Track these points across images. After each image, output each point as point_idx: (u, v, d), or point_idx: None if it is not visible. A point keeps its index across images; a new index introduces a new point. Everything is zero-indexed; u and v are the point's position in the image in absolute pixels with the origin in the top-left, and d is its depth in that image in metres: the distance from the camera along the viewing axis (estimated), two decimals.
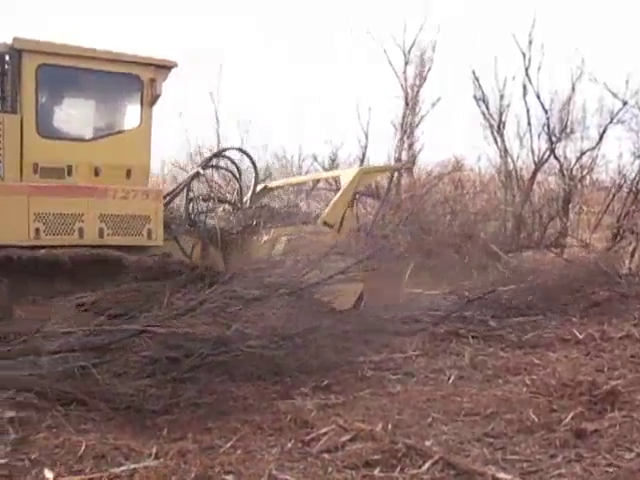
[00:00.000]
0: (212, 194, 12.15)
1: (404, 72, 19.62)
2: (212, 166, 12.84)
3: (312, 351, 8.65)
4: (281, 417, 6.74)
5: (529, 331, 10.47)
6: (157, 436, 6.28)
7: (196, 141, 20.62)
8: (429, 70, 19.92)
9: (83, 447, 5.90)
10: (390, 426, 6.33)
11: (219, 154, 12.65)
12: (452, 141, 26.10)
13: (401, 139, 18.73)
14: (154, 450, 5.84)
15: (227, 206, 12.56)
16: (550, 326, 10.86)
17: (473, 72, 18.30)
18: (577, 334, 10.09)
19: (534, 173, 18.44)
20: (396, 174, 17.04)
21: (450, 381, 8.11)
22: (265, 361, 8.06)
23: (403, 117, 19.00)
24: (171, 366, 7.49)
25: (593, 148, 18.73)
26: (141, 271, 9.43)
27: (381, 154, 19.65)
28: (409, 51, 19.58)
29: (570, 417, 6.58)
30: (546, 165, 18.81)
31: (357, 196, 15.04)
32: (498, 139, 18.49)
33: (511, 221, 16.80)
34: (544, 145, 18.42)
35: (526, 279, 12.89)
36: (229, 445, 6.04)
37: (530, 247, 16.68)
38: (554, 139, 18.33)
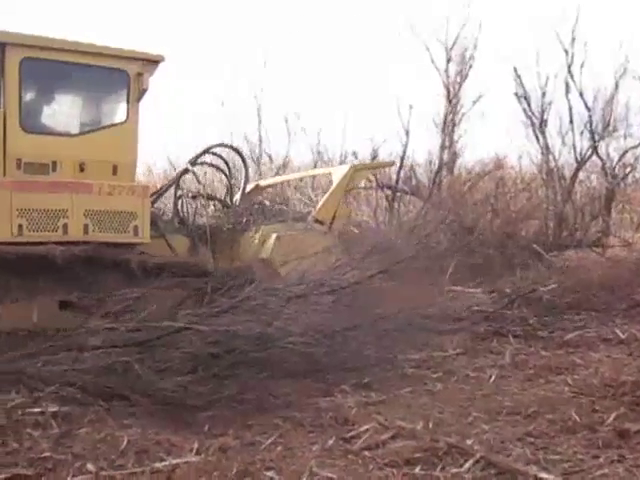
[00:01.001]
0: (201, 191, 12.00)
1: (446, 69, 19.58)
2: (201, 163, 12.54)
3: (352, 349, 8.64)
4: (322, 414, 6.75)
5: (571, 331, 10.37)
6: (198, 432, 6.30)
7: (238, 137, 20.62)
8: (470, 67, 19.87)
9: (125, 442, 5.96)
10: (431, 424, 6.31)
11: (208, 151, 12.28)
12: (493, 139, 25.89)
13: (442, 137, 18.67)
14: (195, 446, 5.87)
15: (217, 204, 12.50)
16: (592, 326, 10.75)
17: (515, 69, 18.17)
18: (619, 334, 9.99)
19: (576, 171, 18.29)
20: (437, 172, 17.02)
21: (491, 380, 8.06)
22: (306, 358, 8.07)
23: (445, 115, 18.95)
24: (212, 362, 7.53)
25: (636, 146, 18.54)
26: (141, 270, 9.40)
27: (422, 152, 19.58)
28: (451, 48, 19.53)
29: (613, 417, 6.49)
30: (588, 163, 18.65)
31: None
32: (540, 137, 18.35)
33: (553, 220, 16.66)
34: (586, 143, 18.27)
35: (568, 278, 12.78)
36: (270, 441, 6.06)
37: (572, 246, 16.52)
38: (596, 137, 18.17)
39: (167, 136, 32.60)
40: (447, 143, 18.73)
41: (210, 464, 5.46)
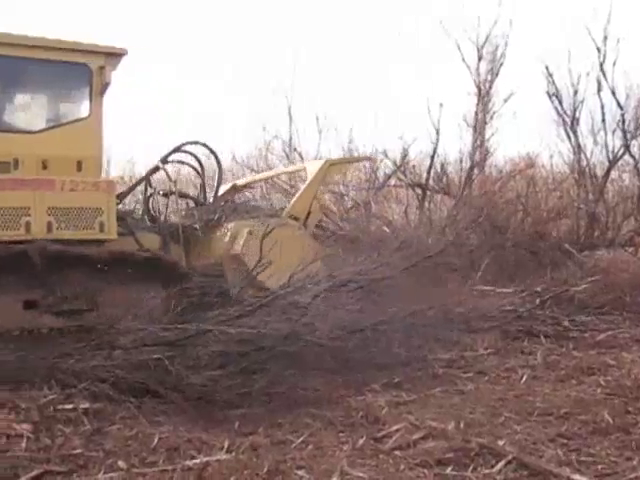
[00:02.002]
0: (173, 189, 11.56)
1: (477, 68, 19.50)
2: (172, 161, 12.16)
3: (382, 347, 8.63)
4: (352, 413, 6.75)
5: (603, 331, 10.32)
6: (229, 430, 6.33)
7: (268, 136, 20.63)
8: (501, 65, 19.77)
9: (156, 439, 6.00)
10: (462, 425, 6.27)
11: (179, 148, 11.91)
12: (524, 137, 25.73)
13: (473, 135, 18.60)
14: (226, 444, 5.88)
15: (190, 202, 12.22)
16: (624, 326, 10.70)
17: (546, 67, 18.02)
18: None
19: (608, 170, 18.10)
20: (468, 170, 16.92)
21: (523, 380, 8.03)
22: (335, 356, 8.07)
23: (476, 113, 18.88)
24: (242, 360, 7.54)
25: None
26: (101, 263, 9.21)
27: (452, 150, 19.47)
28: (482, 46, 19.44)
29: None
30: (620, 162, 18.46)
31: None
32: (571, 136, 18.19)
33: (584, 219, 16.52)
34: (618, 142, 18.05)
35: (600, 278, 12.69)
36: (300, 440, 6.06)
37: (604, 246, 16.38)
38: (629, 136, 17.96)
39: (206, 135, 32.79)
40: (478, 142, 18.64)
41: (241, 462, 5.46)
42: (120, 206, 11.02)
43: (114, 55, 9.88)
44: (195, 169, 12.20)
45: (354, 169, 17.92)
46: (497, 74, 19.76)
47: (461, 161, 17.93)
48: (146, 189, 11.60)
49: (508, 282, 12.99)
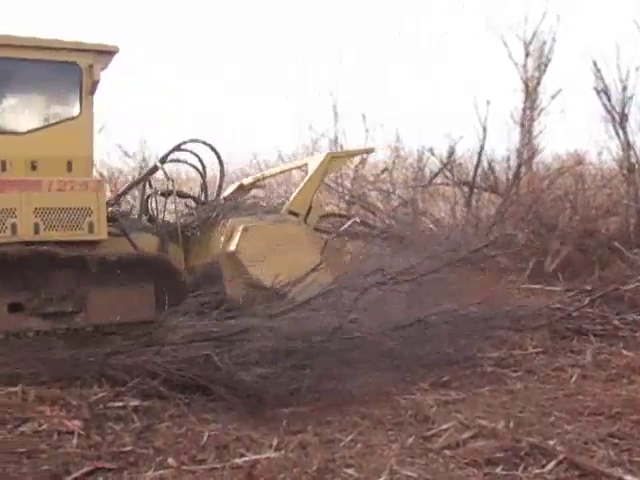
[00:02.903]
0: (172, 189, 11.33)
1: (524, 64, 19.36)
2: (172, 160, 11.95)
3: (430, 345, 8.60)
4: (401, 412, 6.74)
5: None
6: (277, 428, 6.34)
7: (314, 135, 20.65)
8: (549, 61, 19.59)
9: (205, 437, 6.04)
10: (512, 424, 6.23)
11: (179, 147, 11.65)
12: (572, 134, 25.48)
13: (521, 133, 18.46)
14: (275, 442, 5.90)
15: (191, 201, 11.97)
16: None
17: (594, 63, 17.84)
18: None
19: None
20: (516, 168, 16.79)
21: (573, 380, 7.95)
22: (383, 354, 8.05)
23: (523, 110, 18.74)
24: (290, 356, 7.56)
25: None
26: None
27: (498, 148, 19.32)
28: (530, 43, 19.29)
29: None
30: None
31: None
32: (620, 132, 18.00)
33: (634, 216, 16.32)
34: None
35: None
36: (349, 439, 6.05)
37: None
38: None
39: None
40: (526, 139, 18.49)
41: (290, 460, 5.47)
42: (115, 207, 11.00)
43: (105, 53, 9.70)
44: (195, 168, 12.00)
45: (402, 167, 17.91)
46: (544, 71, 19.60)
47: (508, 159, 17.80)
48: (144, 189, 11.40)
49: (556, 280, 12.90)
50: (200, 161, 11.76)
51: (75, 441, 5.88)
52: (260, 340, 7.81)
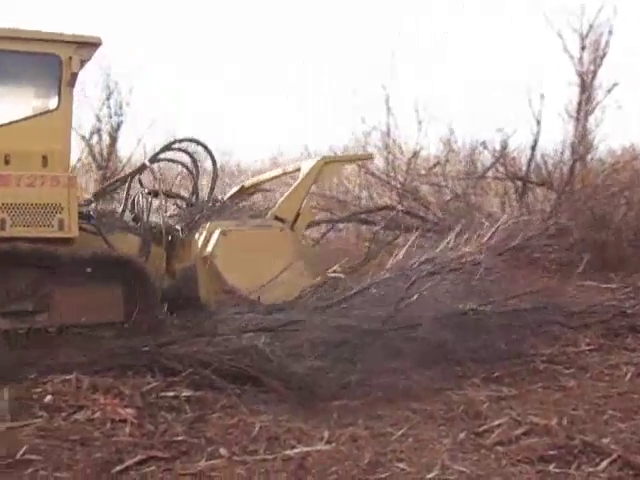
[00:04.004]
0: (160, 189, 10.81)
1: (580, 57, 19.11)
2: (162, 159, 11.69)
3: (482, 340, 8.56)
4: (453, 407, 6.71)
5: None
6: (328, 420, 6.33)
7: (367, 128, 20.59)
8: (605, 55, 19.33)
9: (257, 428, 6.03)
10: (565, 421, 6.20)
11: (170, 146, 11.38)
12: (628, 129, 25.15)
13: (576, 127, 18.24)
14: (326, 434, 5.90)
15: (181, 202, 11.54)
16: None
17: None
18: None
19: None
20: (572, 163, 16.62)
21: (627, 378, 7.85)
22: (435, 348, 8.02)
23: (579, 104, 18.51)
24: (341, 348, 7.57)
25: None
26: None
27: (550, 142, 19.10)
28: (586, 36, 19.04)
29: None
30: None
31: None
32: None
33: None
34: None
35: None
36: (400, 433, 6.02)
37: None
38: None
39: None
40: (581, 134, 18.28)
41: (341, 453, 5.48)
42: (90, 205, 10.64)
43: (86, 45, 9.24)
44: (187, 167, 11.74)
45: (454, 161, 17.81)
46: (600, 64, 19.35)
47: (562, 153, 17.62)
48: (129, 188, 11.06)
49: (611, 277, 12.76)
50: (193, 161, 11.52)
51: (128, 430, 5.93)
52: (311, 332, 7.83)
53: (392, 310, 8.28)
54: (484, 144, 17.90)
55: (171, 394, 6.69)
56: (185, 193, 12.31)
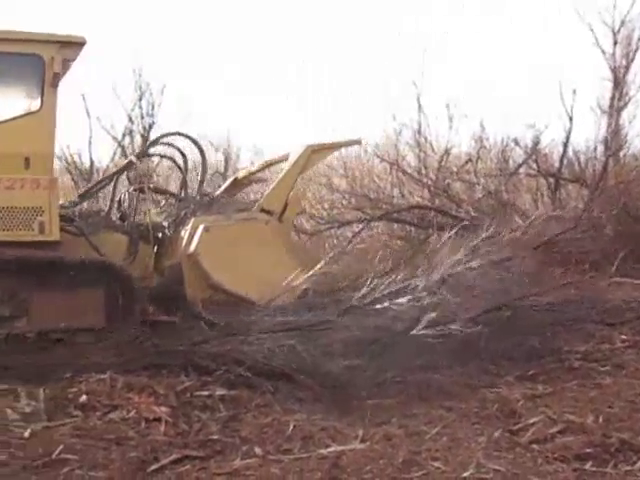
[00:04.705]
0: (147, 185, 10.79)
1: (612, 53, 18.95)
2: (150, 155, 11.76)
3: (516, 338, 8.52)
4: (487, 405, 6.67)
5: None
6: (362, 419, 6.32)
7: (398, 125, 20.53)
8: (638, 49, 19.15)
9: (291, 427, 6.03)
10: (601, 419, 6.13)
11: (157, 141, 11.08)
12: None
13: (609, 123, 18.09)
14: (360, 433, 5.88)
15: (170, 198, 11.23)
16: None
17: None
18: None
19: None
20: (605, 159, 16.47)
21: None
22: (467, 345, 8.01)
23: (611, 99, 18.35)
24: (374, 347, 7.57)
25: None
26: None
27: (582, 138, 18.94)
28: (618, 30, 18.87)
29: None
30: None
31: None
32: None
33: None
34: None
35: None
36: (435, 432, 5.99)
37: None
38: None
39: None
40: (614, 129, 18.12)
41: (376, 452, 5.46)
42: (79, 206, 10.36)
43: (70, 44, 8.97)
44: (175, 162, 11.30)
45: (486, 158, 17.73)
46: (633, 59, 19.18)
47: (595, 149, 17.50)
48: (115, 186, 10.70)
49: None
50: (183, 155, 11.06)
51: (162, 429, 5.95)
52: (344, 331, 7.83)
53: (425, 308, 8.26)
54: (516, 141, 17.80)
55: (205, 393, 6.70)
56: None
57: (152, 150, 11.61)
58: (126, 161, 11.37)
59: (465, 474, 5.12)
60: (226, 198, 10.93)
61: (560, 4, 22.32)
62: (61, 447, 5.49)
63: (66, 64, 9.01)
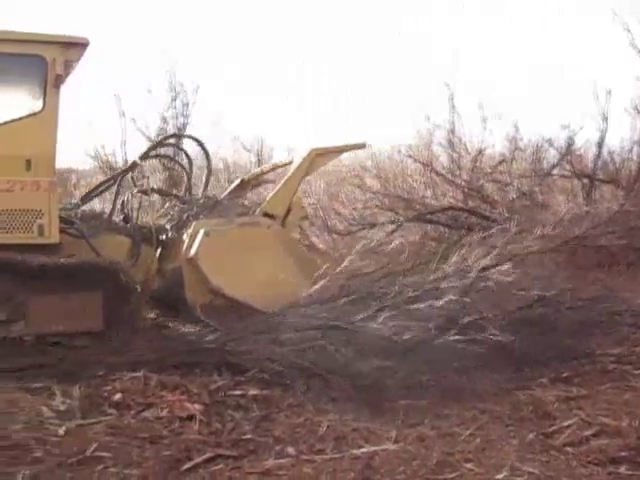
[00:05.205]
0: (151, 187, 10.69)
1: None
2: (154, 156, 11.52)
3: (549, 339, 8.48)
4: (521, 407, 6.64)
5: None
6: (395, 420, 6.32)
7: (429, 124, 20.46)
8: None
9: (324, 427, 6.04)
10: (636, 422, 6.07)
11: (161, 143, 11.12)
12: None
13: None
14: (393, 434, 5.88)
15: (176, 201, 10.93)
16: None
17: None
18: None
19: None
20: (638, 160, 16.34)
21: None
22: (500, 348, 7.97)
23: None
24: (407, 347, 7.56)
25: None
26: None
27: (616, 138, 18.78)
28: None
29: None
30: None
31: None
32: None
33: None
34: None
35: None
36: (468, 433, 5.98)
37: None
38: None
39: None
40: None
41: (409, 453, 5.45)
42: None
43: (73, 45, 8.85)
44: (180, 164, 11.33)
45: (520, 159, 17.64)
46: None
47: (630, 150, 17.35)
48: (118, 188, 10.43)
49: None
50: (187, 157, 11.13)
51: (196, 427, 5.98)
52: (376, 331, 7.82)
53: (458, 310, 8.24)
54: (550, 141, 17.68)
55: (238, 392, 6.72)
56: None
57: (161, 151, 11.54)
58: (130, 162, 11.15)
59: (499, 476, 5.11)
60: (230, 201, 10.71)
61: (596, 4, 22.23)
62: (95, 445, 5.53)
63: (69, 65, 8.95)
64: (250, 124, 31.43)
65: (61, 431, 5.82)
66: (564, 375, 7.68)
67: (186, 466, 5.30)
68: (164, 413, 6.24)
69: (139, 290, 8.68)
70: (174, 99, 20.78)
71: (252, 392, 6.73)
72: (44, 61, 8.70)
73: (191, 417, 6.14)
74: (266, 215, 9.74)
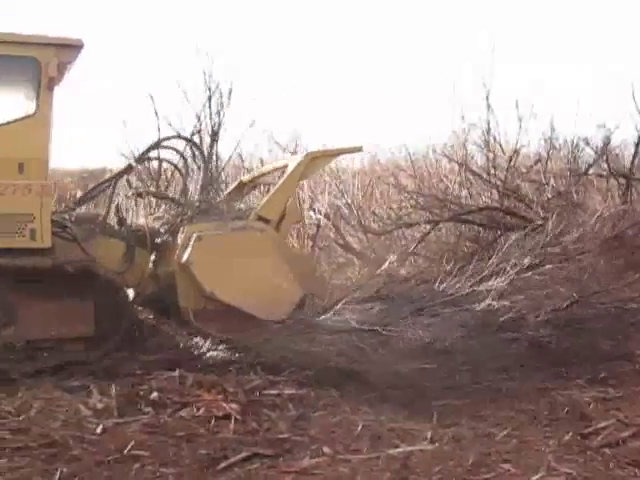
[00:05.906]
0: (146, 190, 10.62)
1: None
2: (150, 159, 11.22)
3: (586, 340, 8.43)
4: (557, 408, 6.62)
5: None
6: (430, 420, 6.31)
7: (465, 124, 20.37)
8: None
9: (359, 427, 6.03)
10: None
11: (157, 145, 10.69)
12: None
13: None
14: (429, 434, 5.86)
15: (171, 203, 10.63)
16: None
17: None
18: None
19: None
20: None
21: None
22: (538, 349, 7.95)
23: None
24: (445, 348, 7.56)
25: None
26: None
27: None
28: None
29: None
30: None
31: None
32: None
33: None
34: None
35: None
36: (504, 434, 5.96)
37: None
38: None
39: None
40: None
41: (445, 453, 5.45)
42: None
43: (67, 47, 8.71)
44: (176, 166, 11.11)
45: (556, 158, 17.53)
46: None
47: None
48: (112, 191, 10.12)
49: None
50: (184, 159, 10.90)
51: (232, 427, 5.99)
52: (412, 333, 7.82)
53: (495, 311, 8.21)
54: (586, 140, 17.56)
55: (274, 392, 6.75)
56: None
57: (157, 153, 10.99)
58: (125, 165, 10.99)
59: (535, 477, 5.07)
60: (225, 204, 10.52)
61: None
62: (132, 443, 5.57)
63: (63, 67, 8.82)
64: (285, 123, 31.44)
65: (98, 429, 5.87)
66: (601, 376, 7.66)
67: (222, 465, 5.32)
68: (200, 412, 6.27)
69: (133, 294, 8.76)
70: (209, 99, 20.84)
71: (288, 391, 6.75)
72: (37, 63, 8.58)
73: (227, 416, 6.16)
74: (260, 219, 9.47)
